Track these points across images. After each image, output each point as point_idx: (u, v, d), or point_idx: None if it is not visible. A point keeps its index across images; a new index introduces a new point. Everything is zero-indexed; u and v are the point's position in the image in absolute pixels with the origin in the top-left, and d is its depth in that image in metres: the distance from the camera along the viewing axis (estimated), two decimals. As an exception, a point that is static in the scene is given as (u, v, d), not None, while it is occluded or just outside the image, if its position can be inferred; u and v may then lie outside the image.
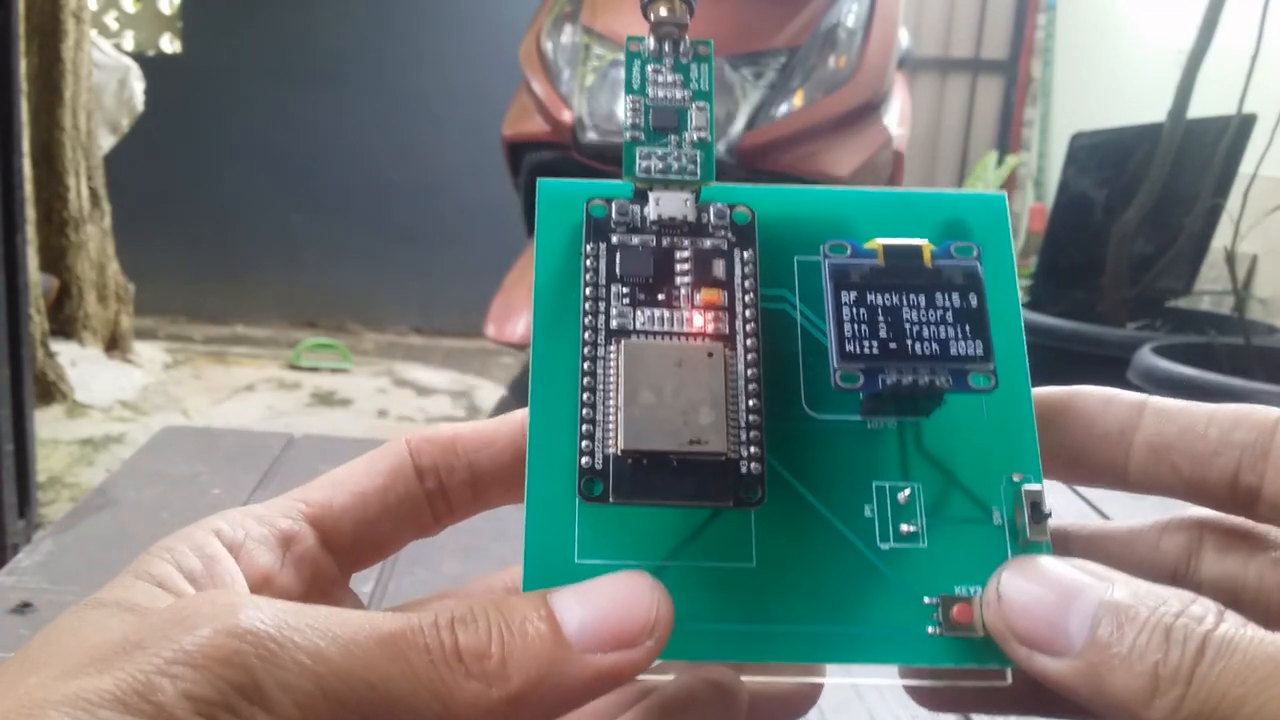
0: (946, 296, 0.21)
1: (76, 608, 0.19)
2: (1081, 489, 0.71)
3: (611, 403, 0.21)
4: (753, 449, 0.21)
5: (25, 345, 1.57)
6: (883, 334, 0.21)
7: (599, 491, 0.20)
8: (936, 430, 0.22)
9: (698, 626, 0.21)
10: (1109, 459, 0.23)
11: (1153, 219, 1.97)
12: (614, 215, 0.23)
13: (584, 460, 0.21)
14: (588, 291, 0.22)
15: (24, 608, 0.46)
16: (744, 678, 0.23)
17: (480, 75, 3.13)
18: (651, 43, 0.23)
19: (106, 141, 2.66)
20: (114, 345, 2.69)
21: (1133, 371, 1.58)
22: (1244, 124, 1.89)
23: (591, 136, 1.67)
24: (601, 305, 0.22)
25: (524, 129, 1.79)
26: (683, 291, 0.22)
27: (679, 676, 0.22)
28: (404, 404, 2.68)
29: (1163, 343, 1.65)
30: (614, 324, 0.21)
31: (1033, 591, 0.19)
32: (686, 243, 0.22)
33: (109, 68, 2.64)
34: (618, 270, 0.22)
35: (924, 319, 0.21)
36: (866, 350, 0.21)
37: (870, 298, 0.21)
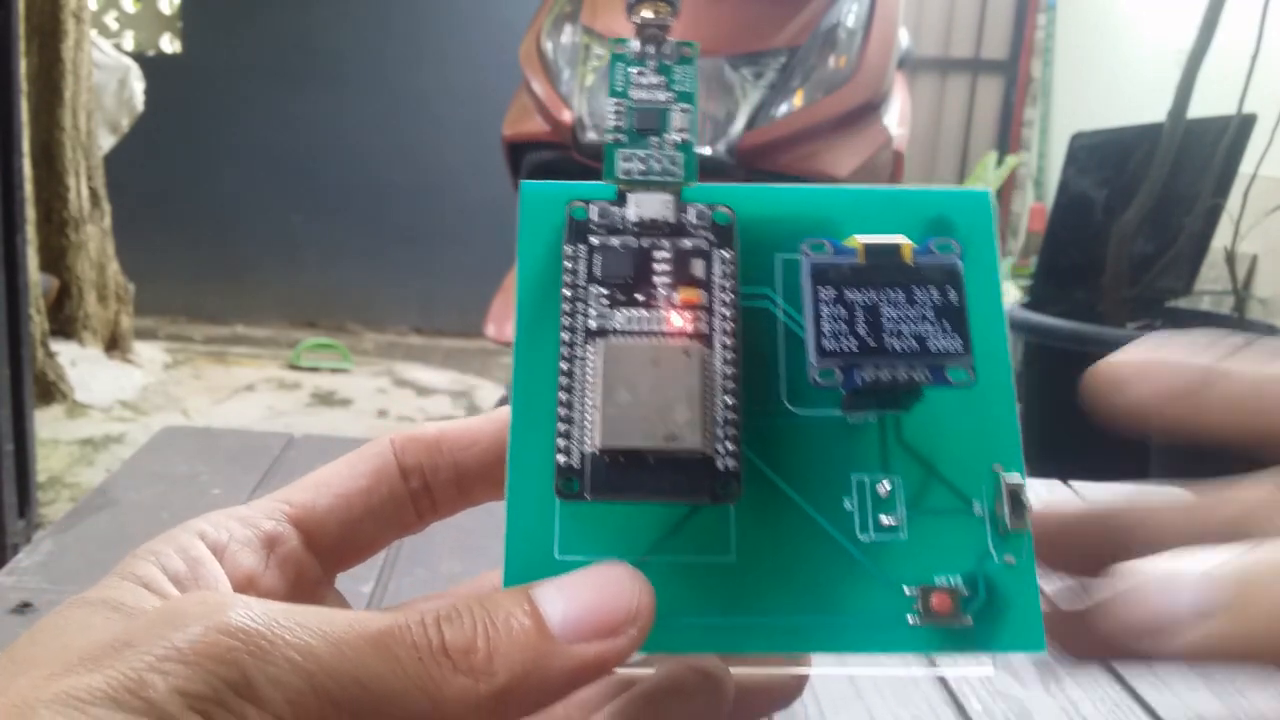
0: (926, 293, 0.21)
1: (61, 607, 0.19)
2: (1080, 487, 0.71)
3: (589, 401, 0.21)
4: (729, 445, 0.21)
5: (25, 345, 1.57)
6: (861, 331, 0.21)
7: (576, 489, 0.21)
8: (917, 424, 0.22)
9: (679, 620, 0.21)
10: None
11: (1153, 219, 1.97)
12: (594, 217, 0.23)
13: (561, 459, 0.21)
14: (567, 293, 0.22)
15: (24, 608, 0.46)
16: (730, 668, 0.23)
17: (480, 75, 3.13)
18: (636, 44, 0.23)
19: (106, 141, 2.66)
20: (114, 345, 2.69)
21: (1132, 371, 1.58)
22: (1244, 124, 1.89)
23: (591, 136, 1.68)
24: (581, 306, 0.22)
25: (524, 129, 1.79)
26: (662, 292, 0.22)
27: (665, 664, 0.23)
28: (404, 404, 2.68)
29: (1163, 343, 1.65)
30: (593, 324, 0.22)
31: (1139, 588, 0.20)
32: (666, 243, 0.22)
33: (109, 68, 2.64)
34: (597, 271, 0.22)
35: (903, 315, 0.21)
36: (844, 348, 0.21)
37: (849, 295, 0.21)
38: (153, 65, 3.00)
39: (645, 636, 0.19)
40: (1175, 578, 0.19)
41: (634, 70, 0.23)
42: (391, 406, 2.65)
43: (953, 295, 0.21)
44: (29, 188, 1.98)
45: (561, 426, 0.21)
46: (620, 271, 0.22)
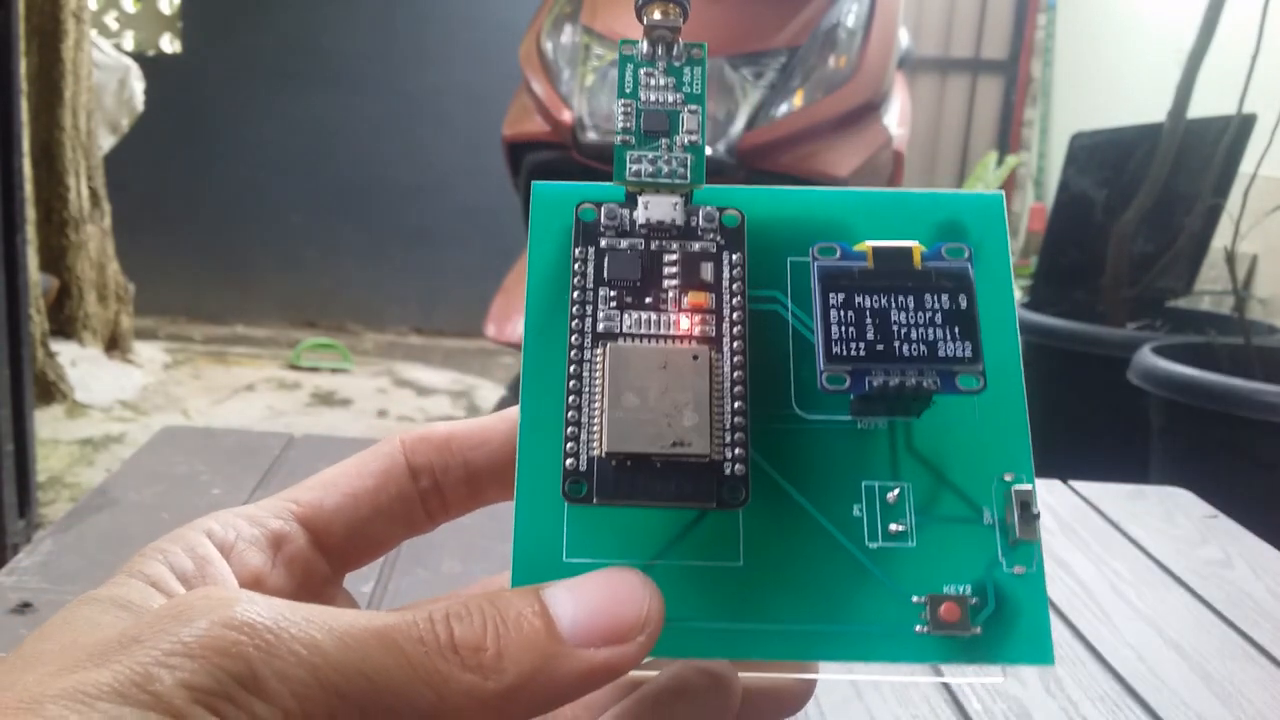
0: (936, 298, 0.21)
1: (71, 604, 0.19)
2: (1080, 488, 0.71)
3: (597, 405, 0.21)
4: (737, 450, 0.21)
5: (25, 345, 1.57)
6: (870, 336, 0.21)
7: (583, 493, 0.21)
8: (928, 430, 0.22)
9: (686, 624, 0.21)
10: None
11: (1153, 219, 1.97)
12: (603, 219, 0.23)
13: (568, 462, 0.21)
14: (575, 295, 0.22)
15: (24, 608, 0.46)
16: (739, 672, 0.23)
17: (480, 75, 3.13)
18: (645, 46, 0.23)
19: (106, 141, 2.66)
20: (114, 345, 2.69)
21: (1133, 372, 1.58)
22: (1244, 124, 1.89)
23: (591, 136, 1.68)
24: (589, 309, 0.22)
25: (524, 129, 1.79)
26: (670, 294, 0.22)
27: (673, 665, 0.22)
28: (404, 404, 2.68)
29: (1163, 343, 1.65)
30: (600, 327, 0.21)
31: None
32: (675, 246, 0.22)
33: (109, 68, 2.64)
34: (605, 274, 0.22)
35: (913, 321, 0.21)
36: (853, 352, 0.21)
37: (858, 299, 0.21)
38: (153, 65, 3.00)
39: (654, 643, 0.19)
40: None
41: (643, 71, 0.23)
42: (391, 406, 2.65)
43: (963, 301, 0.21)
44: (29, 188, 1.98)
45: (569, 430, 0.21)
46: (628, 274, 0.22)
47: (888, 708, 0.44)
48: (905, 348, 0.21)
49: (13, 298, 1.54)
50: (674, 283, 0.22)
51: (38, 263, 2.35)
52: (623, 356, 0.21)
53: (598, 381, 0.21)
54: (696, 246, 0.22)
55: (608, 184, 0.23)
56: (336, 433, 2.01)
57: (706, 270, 0.22)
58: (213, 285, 3.33)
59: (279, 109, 3.23)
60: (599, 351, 0.21)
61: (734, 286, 0.22)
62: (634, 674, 0.22)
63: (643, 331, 0.21)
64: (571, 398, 0.21)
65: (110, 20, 3.28)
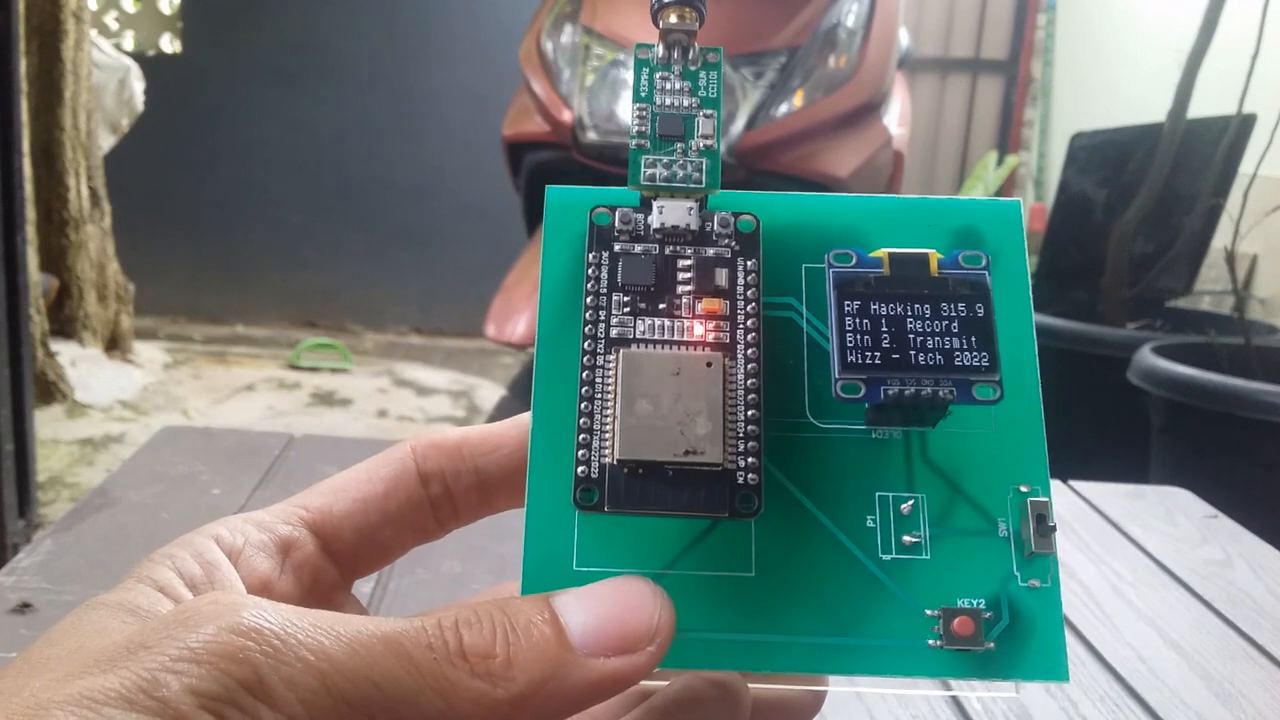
0: (952, 306, 0.21)
1: (79, 609, 0.19)
2: (1080, 488, 0.71)
3: (609, 411, 0.21)
4: (750, 459, 0.21)
5: (25, 345, 1.57)
6: (886, 344, 0.21)
7: (594, 500, 0.20)
8: (943, 440, 0.22)
9: (697, 635, 0.21)
10: None
11: (1153, 219, 1.97)
12: (617, 224, 0.22)
13: (580, 469, 0.21)
14: (589, 300, 0.22)
15: (24, 608, 0.46)
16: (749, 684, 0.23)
17: (480, 75, 3.13)
18: (660, 50, 0.23)
19: (106, 141, 2.66)
20: (114, 345, 2.69)
21: (1133, 372, 1.58)
22: (1244, 124, 1.89)
23: (591, 136, 1.67)
24: (602, 314, 0.21)
25: (524, 129, 1.79)
26: (684, 300, 0.22)
27: (683, 676, 0.22)
28: (404, 404, 2.68)
29: (1163, 343, 1.65)
30: (614, 333, 0.21)
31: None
32: (689, 251, 0.22)
33: (109, 68, 2.64)
34: (619, 279, 0.22)
35: (929, 329, 0.21)
36: (869, 360, 0.21)
37: (874, 307, 0.21)
38: (153, 65, 3.00)
39: (664, 653, 0.19)
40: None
41: (659, 75, 0.23)
42: (391, 406, 2.65)
43: (980, 309, 0.21)
44: (29, 188, 1.98)
45: (581, 437, 0.21)
46: (642, 279, 0.22)
47: (888, 708, 0.44)
48: (921, 357, 0.21)
49: (13, 298, 1.54)
50: (688, 289, 0.22)
51: (38, 263, 2.35)
52: (636, 363, 0.21)
53: (610, 388, 0.21)
54: (711, 252, 0.22)
55: (622, 188, 0.23)
56: (336, 433, 2.01)
57: (721, 276, 0.22)
58: (213, 285, 3.33)
59: (279, 109, 3.23)
60: (612, 357, 0.21)
61: (748, 293, 0.22)
62: (643, 684, 0.22)
63: (656, 337, 0.21)
64: (584, 404, 0.21)
65: (110, 20, 3.28)
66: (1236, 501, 0.82)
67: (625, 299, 0.22)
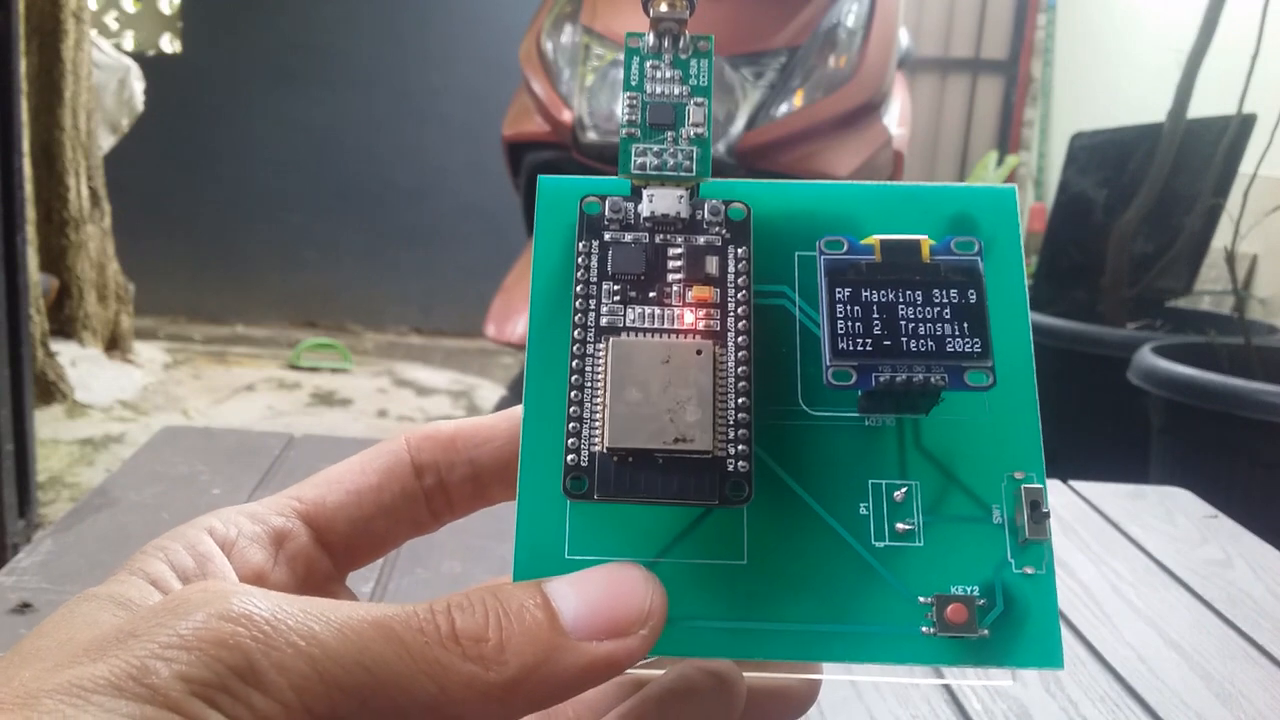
0: (944, 293, 0.21)
1: (70, 602, 0.19)
2: (1080, 488, 0.71)
3: (599, 400, 0.21)
4: (741, 447, 0.21)
5: (25, 345, 1.57)
6: (877, 331, 0.21)
7: (584, 489, 0.20)
8: (936, 428, 0.22)
9: (690, 623, 0.21)
10: None
11: (1153, 219, 1.97)
12: (607, 212, 0.22)
13: (570, 457, 0.21)
14: (579, 289, 0.22)
15: (24, 608, 0.46)
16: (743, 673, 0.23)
17: (480, 75, 3.13)
18: (651, 38, 0.23)
19: (106, 141, 2.66)
20: (114, 345, 2.69)
21: (1133, 371, 1.58)
22: (1244, 124, 1.89)
23: (591, 136, 1.67)
24: (592, 303, 0.21)
25: (524, 129, 1.79)
26: (674, 289, 0.22)
27: (677, 665, 0.22)
28: (404, 404, 2.68)
29: (1163, 343, 1.65)
30: (604, 321, 0.21)
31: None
32: (679, 239, 0.22)
33: (109, 68, 2.64)
34: (609, 267, 0.22)
35: (921, 316, 0.21)
36: (860, 347, 0.21)
37: (865, 294, 0.21)
38: (153, 65, 3.00)
39: (657, 637, 0.19)
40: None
41: (649, 64, 0.23)
42: (391, 406, 2.65)
43: (972, 295, 0.21)
44: (29, 188, 1.98)
45: (571, 425, 0.21)
46: (632, 267, 0.22)
47: (887, 707, 0.44)
48: (913, 343, 0.21)
49: (13, 298, 1.54)
50: (678, 277, 0.22)
51: (38, 263, 2.35)
52: (625, 351, 0.21)
53: (600, 376, 0.21)
54: (701, 240, 0.22)
55: (613, 178, 0.23)
56: (336, 433, 2.01)
57: (711, 264, 0.22)
58: (213, 285, 3.33)
59: (279, 109, 3.23)
60: (602, 346, 0.21)
61: (739, 281, 0.22)
62: (637, 674, 0.22)
63: (646, 326, 0.21)
64: (574, 392, 0.21)
65: (110, 20, 3.28)
66: (1236, 501, 0.82)
67: (615, 287, 0.22)
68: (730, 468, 0.20)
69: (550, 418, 0.21)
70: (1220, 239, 1.89)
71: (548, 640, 0.18)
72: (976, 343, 0.21)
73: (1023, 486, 0.21)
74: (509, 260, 1.88)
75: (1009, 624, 0.21)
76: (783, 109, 1.72)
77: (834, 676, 0.24)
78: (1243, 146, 1.93)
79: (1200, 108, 1.91)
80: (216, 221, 3.30)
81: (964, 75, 3.80)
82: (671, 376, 0.20)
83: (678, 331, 0.21)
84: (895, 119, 1.89)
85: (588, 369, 0.21)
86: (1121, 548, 0.62)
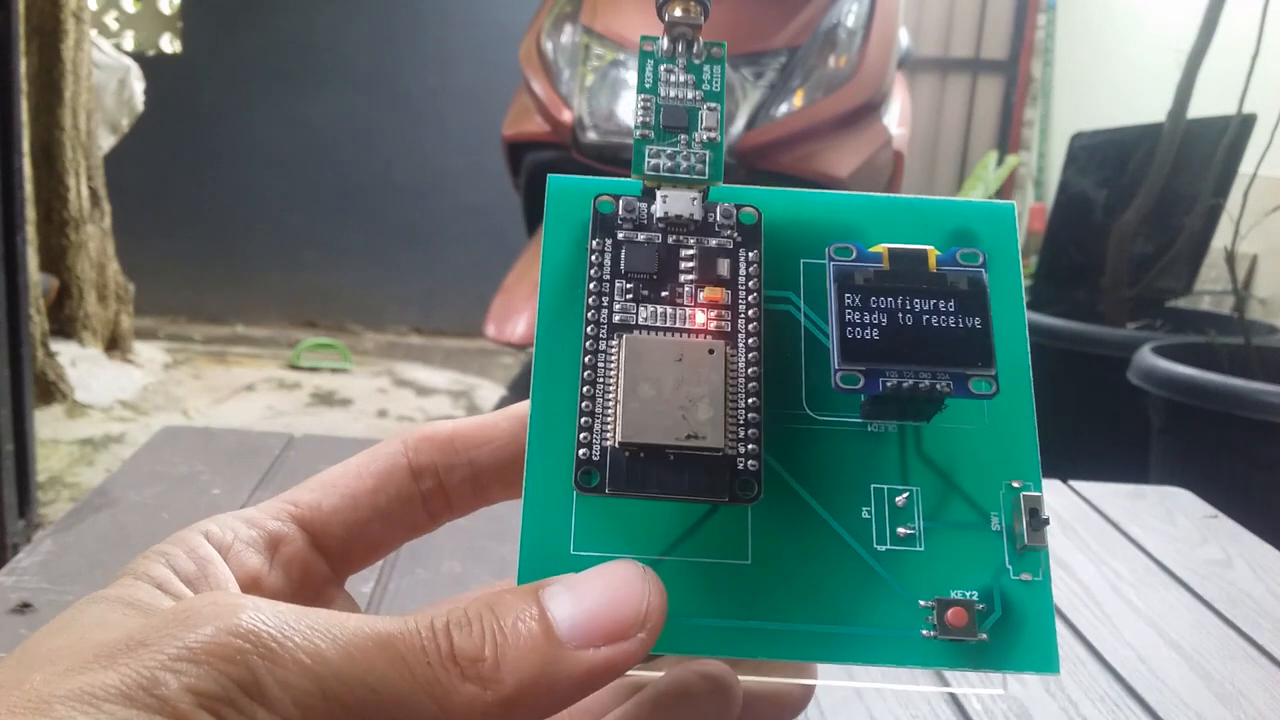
0: (950, 302, 0.21)
1: (79, 603, 0.19)
2: (1080, 488, 0.71)
3: (611, 396, 0.21)
4: (750, 446, 0.21)
5: (25, 345, 1.57)
6: (885, 336, 0.21)
7: (595, 483, 0.21)
8: (937, 435, 0.22)
9: (691, 621, 0.21)
10: None
11: (1153, 219, 1.97)
12: (621, 212, 0.23)
13: (581, 451, 0.21)
14: (592, 286, 0.22)
15: (24, 608, 0.46)
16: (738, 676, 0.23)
17: (481, 75, 3.13)
18: (665, 43, 0.23)
19: (106, 141, 2.66)
20: (114, 345, 2.69)
21: (1133, 371, 1.58)
22: (1244, 124, 1.89)
23: (591, 136, 1.67)
24: (605, 300, 0.22)
25: (524, 129, 1.79)
26: (686, 289, 0.22)
27: (674, 669, 0.22)
28: (404, 404, 2.68)
29: (1163, 343, 1.65)
30: (616, 319, 0.22)
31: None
32: (692, 241, 0.22)
33: (109, 68, 2.64)
34: (622, 266, 0.22)
35: (927, 323, 0.21)
36: (868, 352, 0.21)
37: (874, 300, 0.21)
38: (153, 65, 3.00)
39: (655, 639, 0.19)
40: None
41: (663, 68, 0.23)
42: (391, 406, 2.65)
43: (977, 305, 0.21)
44: (29, 188, 1.98)
45: (583, 420, 0.21)
46: (645, 266, 0.22)
47: (887, 707, 0.44)
48: (919, 350, 0.21)
49: (13, 298, 1.54)
50: (690, 277, 0.22)
51: (38, 263, 2.35)
52: (638, 348, 0.21)
53: (612, 372, 0.21)
54: (714, 242, 0.22)
55: (624, 179, 0.23)
56: (336, 433, 2.01)
57: (723, 266, 0.22)
58: (213, 285, 3.33)
59: (279, 109, 3.23)
60: (614, 343, 0.21)
61: (750, 284, 0.22)
62: (635, 676, 0.22)
63: (658, 324, 0.22)
64: (586, 388, 0.21)
65: (110, 20, 3.28)
66: (1236, 501, 0.82)
67: (628, 286, 0.22)
68: (740, 466, 0.21)
69: (559, 413, 0.22)
70: (1220, 239, 1.89)
71: (544, 653, 0.18)
72: (981, 351, 0.21)
73: (1021, 494, 0.22)
74: (509, 260, 1.88)
75: (1007, 629, 0.21)
76: (783, 109, 1.72)
77: (832, 682, 0.24)
78: (1243, 146, 1.93)
79: (1200, 108, 1.91)
80: (216, 221, 3.30)
81: (964, 75, 3.80)
82: (684, 374, 0.21)
83: (689, 331, 0.22)
84: (895, 119, 1.89)
85: (600, 365, 0.21)
86: (1121, 548, 0.62)
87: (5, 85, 1.55)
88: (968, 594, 0.21)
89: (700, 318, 0.22)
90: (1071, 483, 0.72)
